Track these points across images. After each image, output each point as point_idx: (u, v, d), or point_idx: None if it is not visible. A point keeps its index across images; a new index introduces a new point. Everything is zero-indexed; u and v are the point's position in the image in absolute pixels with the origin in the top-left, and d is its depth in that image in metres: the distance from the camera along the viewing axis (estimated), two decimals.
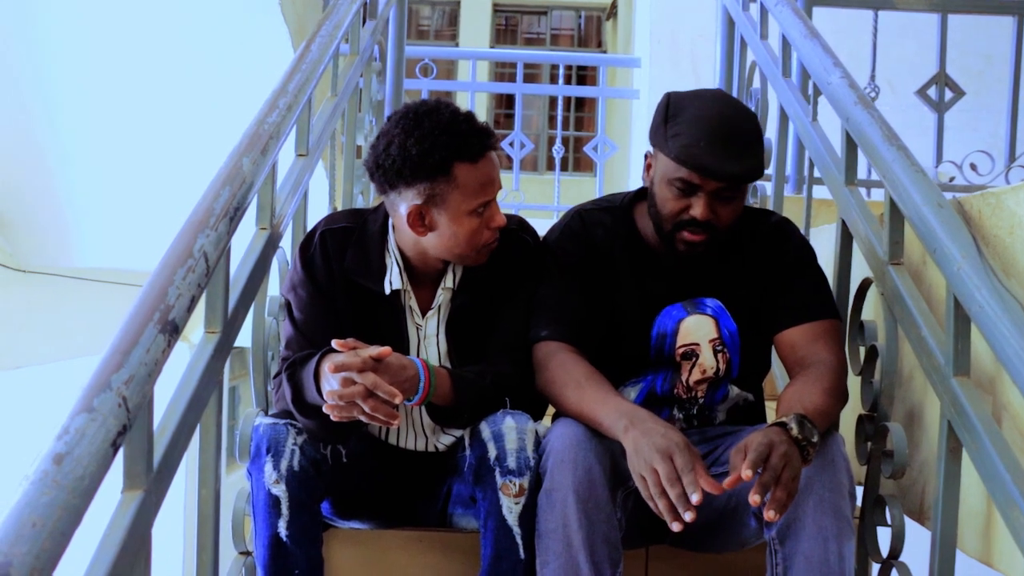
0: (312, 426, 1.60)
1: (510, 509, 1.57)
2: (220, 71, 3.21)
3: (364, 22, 2.62)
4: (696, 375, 1.78)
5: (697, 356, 1.77)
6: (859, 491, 1.69)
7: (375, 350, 1.51)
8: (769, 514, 1.40)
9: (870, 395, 1.76)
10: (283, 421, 1.62)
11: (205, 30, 3.15)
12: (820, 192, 2.34)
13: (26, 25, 3.42)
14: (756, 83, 2.86)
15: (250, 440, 1.62)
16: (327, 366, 1.49)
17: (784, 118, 2.54)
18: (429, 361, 1.63)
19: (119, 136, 3.48)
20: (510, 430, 1.60)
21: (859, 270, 1.92)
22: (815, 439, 1.49)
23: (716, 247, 1.75)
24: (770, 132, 2.65)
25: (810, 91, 2.31)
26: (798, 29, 2.21)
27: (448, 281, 1.75)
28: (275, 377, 1.71)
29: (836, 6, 3.51)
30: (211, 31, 3.14)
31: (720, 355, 1.77)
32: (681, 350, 1.77)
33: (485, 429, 1.62)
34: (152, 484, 1.13)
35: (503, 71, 9.49)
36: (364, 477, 1.76)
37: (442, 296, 1.76)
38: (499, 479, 1.57)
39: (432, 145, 1.59)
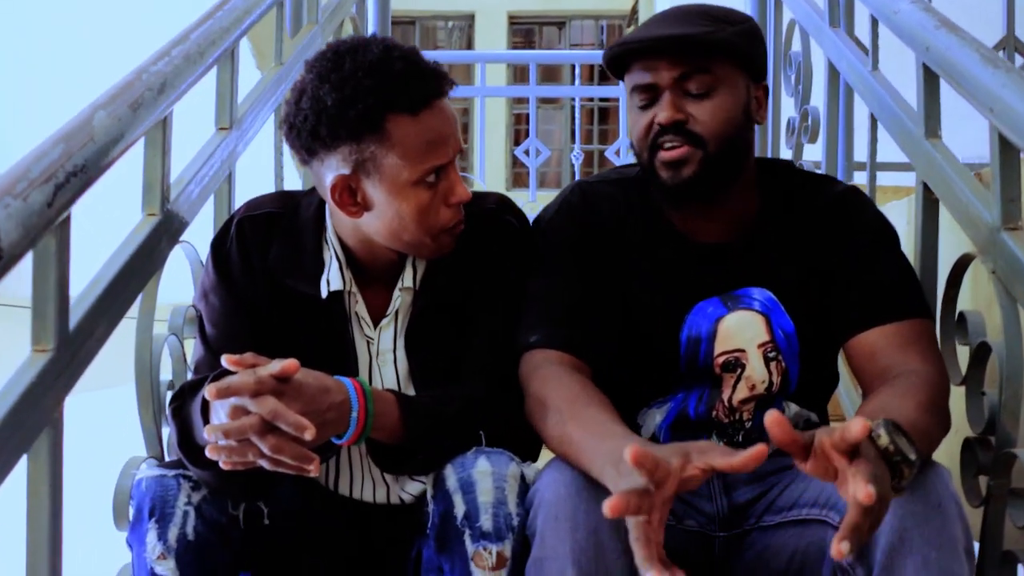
0: (210, 479, 1.17)
1: None
2: None
3: None
4: (742, 392, 1.32)
5: (743, 367, 1.31)
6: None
7: (279, 365, 1.06)
8: (841, 547, 0.94)
9: (981, 411, 1.29)
10: (173, 472, 1.19)
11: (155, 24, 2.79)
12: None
13: None
14: (796, 46, 2.40)
15: (129, 500, 1.18)
16: (209, 391, 1.05)
17: (834, 78, 2.08)
18: (365, 383, 1.17)
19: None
20: (483, 476, 1.15)
21: (948, 249, 1.46)
22: (913, 456, 1.02)
23: (716, 174, 1.29)
24: (816, 100, 2.21)
25: (868, 41, 1.85)
26: None
27: (406, 279, 1.31)
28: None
29: None
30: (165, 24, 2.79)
31: (773, 364, 1.31)
32: (721, 359, 1.32)
33: (451, 476, 1.17)
34: None
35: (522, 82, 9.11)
36: (300, 542, 1.32)
37: (399, 299, 1.31)
38: (470, 546, 1.13)
39: (354, 92, 1.17)
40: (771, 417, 0.95)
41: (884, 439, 1.01)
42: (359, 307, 1.32)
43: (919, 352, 1.25)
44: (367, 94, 1.17)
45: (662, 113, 1.28)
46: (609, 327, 1.33)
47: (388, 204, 1.22)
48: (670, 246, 1.35)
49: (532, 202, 4.42)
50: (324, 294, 1.29)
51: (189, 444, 1.15)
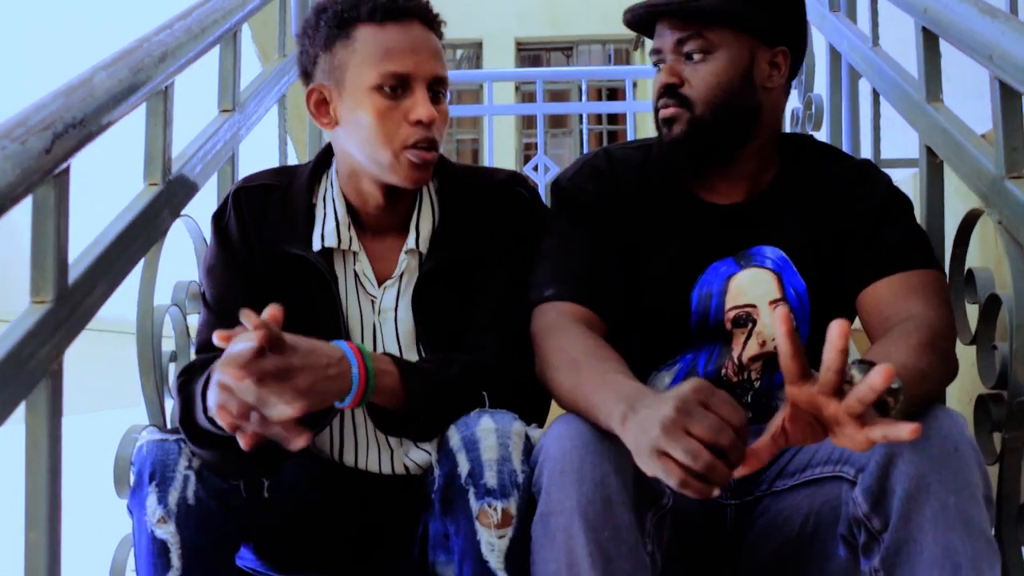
0: (209, 458, 1.15)
1: (491, 546, 1.10)
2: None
3: None
4: (752, 349, 1.30)
5: (754, 322, 1.30)
6: None
7: (253, 323, 1.00)
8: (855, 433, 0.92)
9: (993, 366, 1.26)
10: (174, 437, 1.17)
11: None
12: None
13: None
14: None
15: (130, 465, 1.16)
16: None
17: (835, 62, 2.08)
18: (362, 345, 1.14)
19: None
20: (487, 434, 1.12)
21: (956, 218, 1.44)
22: (896, 383, 0.98)
23: (707, 135, 1.30)
24: (819, 87, 2.21)
25: (868, 22, 1.85)
26: None
27: (410, 241, 1.30)
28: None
29: None
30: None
31: None
32: (732, 314, 1.30)
33: (454, 435, 1.14)
34: None
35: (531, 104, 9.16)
36: (303, 513, 1.29)
37: (405, 261, 1.31)
38: (474, 504, 1.10)
39: (334, 7, 1.24)
40: (780, 313, 0.93)
41: (857, 377, 0.96)
42: (361, 266, 1.31)
43: (921, 298, 1.22)
44: (343, 8, 1.24)
45: (659, 76, 1.32)
46: (622, 287, 1.32)
47: (352, 113, 1.24)
48: (686, 207, 1.35)
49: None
50: (316, 247, 1.28)
51: (191, 423, 1.14)
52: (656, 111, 1.33)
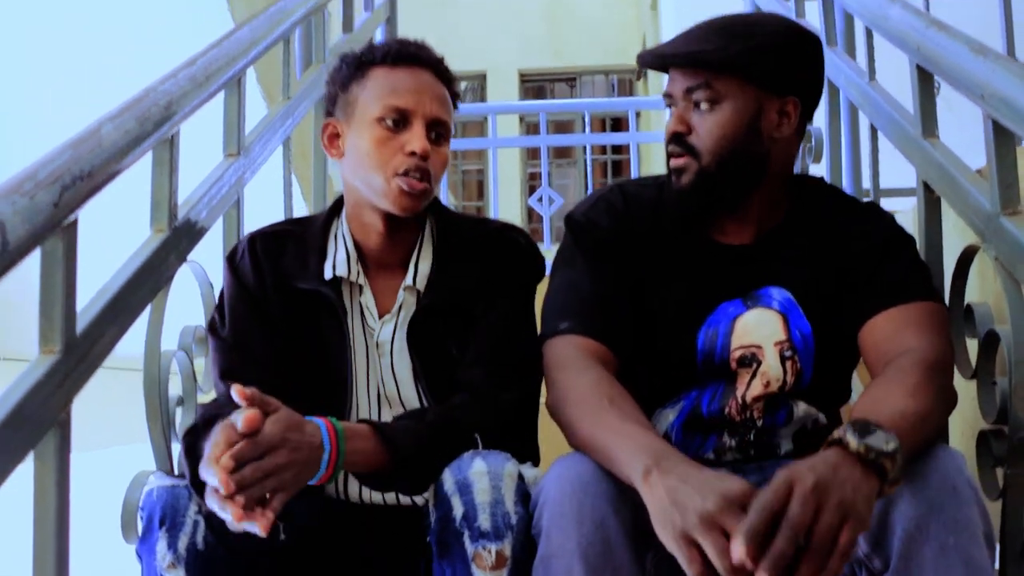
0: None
1: None
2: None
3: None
4: (757, 388, 1.31)
5: (759, 362, 1.31)
6: None
7: (243, 422, 1.04)
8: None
9: (993, 400, 1.27)
10: (183, 483, 1.18)
11: (149, 37, 2.85)
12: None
13: None
14: None
15: (137, 511, 1.18)
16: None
17: (834, 96, 2.10)
18: (337, 423, 1.15)
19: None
20: (480, 477, 1.14)
21: (955, 245, 1.45)
22: (891, 446, 0.99)
23: (715, 185, 1.32)
24: (819, 121, 2.23)
25: (864, 56, 1.88)
26: None
27: (408, 278, 1.36)
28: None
29: None
30: (155, 37, 2.85)
31: (789, 363, 1.31)
32: (738, 353, 1.31)
33: (448, 479, 1.16)
34: None
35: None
36: (309, 551, 1.31)
37: (403, 296, 1.36)
38: (469, 546, 1.12)
39: (356, 50, 1.39)
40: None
41: (854, 443, 0.98)
42: (366, 298, 1.36)
43: (918, 331, 1.23)
44: (363, 53, 1.36)
45: (669, 122, 1.34)
46: (633, 324, 1.33)
47: (355, 142, 1.33)
48: (697, 247, 1.36)
49: (547, 249, 4.43)
50: (328, 275, 1.34)
51: (199, 480, 1.15)
52: (667, 155, 1.36)
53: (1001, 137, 1.25)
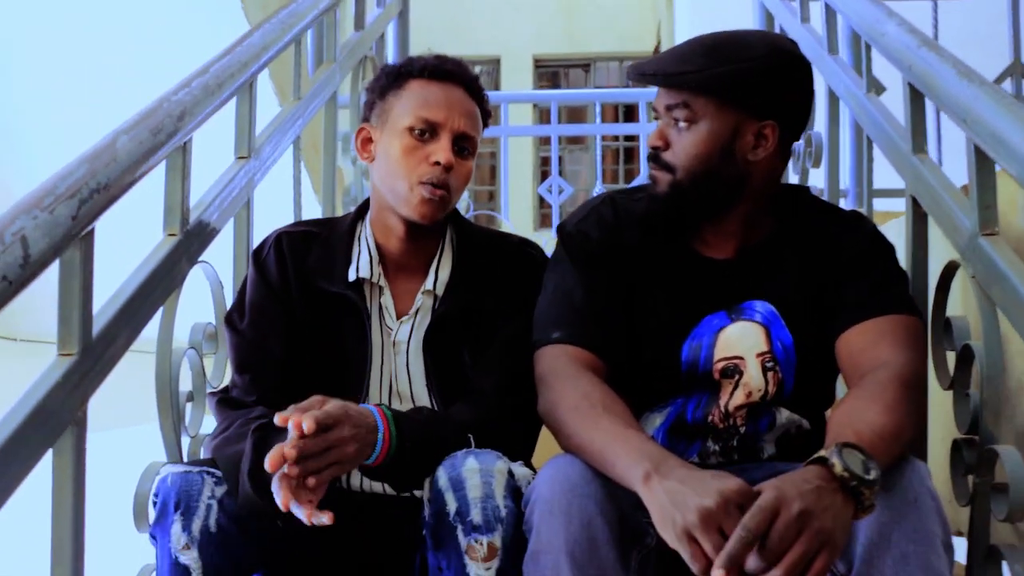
0: (262, 505, 1.21)
1: None
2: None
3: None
4: (738, 398, 1.37)
5: (741, 373, 1.36)
6: (959, 542, 1.24)
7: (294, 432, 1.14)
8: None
9: (967, 411, 1.32)
10: (198, 469, 1.26)
11: (165, 38, 2.90)
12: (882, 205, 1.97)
13: None
14: None
15: (149, 499, 1.25)
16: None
17: (834, 104, 2.13)
18: (386, 408, 1.26)
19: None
20: (472, 473, 1.21)
21: (942, 257, 1.50)
22: (873, 475, 1.06)
23: (688, 199, 1.36)
24: (819, 125, 2.27)
25: (863, 66, 1.91)
26: None
27: (428, 283, 1.44)
28: (216, 434, 1.35)
29: None
30: (172, 38, 2.90)
31: (770, 374, 1.36)
32: (720, 365, 1.37)
33: (442, 475, 1.23)
34: None
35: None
36: (313, 538, 1.37)
37: (421, 300, 1.44)
38: (462, 539, 1.19)
39: (396, 63, 1.48)
40: None
41: (839, 467, 1.05)
42: (386, 299, 1.44)
43: (891, 343, 1.27)
44: (402, 65, 1.45)
45: (651, 134, 1.39)
46: (621, 333, 1.38)
47: (385, 148, 1.42)
48: (683, 260, 1.40)
49: (555, 238, 4.47)
50: (352, 278, 1.42)
51: (259, 473, 1.21)
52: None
53: (982, 160, 1.29)
